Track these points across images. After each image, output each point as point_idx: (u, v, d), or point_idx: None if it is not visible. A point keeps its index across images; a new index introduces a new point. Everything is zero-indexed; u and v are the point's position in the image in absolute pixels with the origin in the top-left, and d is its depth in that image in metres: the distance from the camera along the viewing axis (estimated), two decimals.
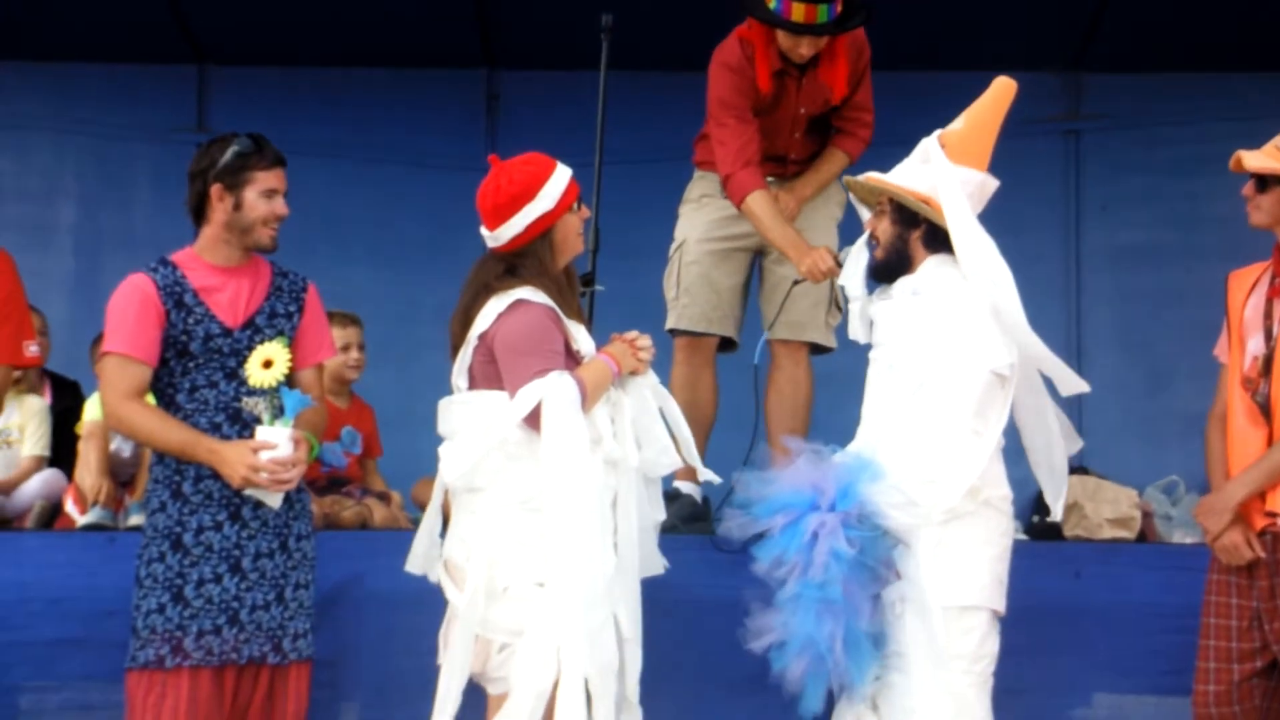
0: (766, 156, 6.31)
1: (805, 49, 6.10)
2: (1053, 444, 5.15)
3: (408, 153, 9.19)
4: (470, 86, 9.31)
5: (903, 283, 5.09)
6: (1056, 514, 5.24)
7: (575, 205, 5.08)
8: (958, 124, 5.13)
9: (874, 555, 4.79)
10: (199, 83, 9.29)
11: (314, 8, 8.63)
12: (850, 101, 6.36)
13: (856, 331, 5.28)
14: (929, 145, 5.09)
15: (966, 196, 5.00)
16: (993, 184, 5.11)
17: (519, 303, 4.93)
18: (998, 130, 5.16)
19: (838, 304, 6.27)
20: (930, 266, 5.05)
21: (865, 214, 5.35)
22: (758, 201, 6.11)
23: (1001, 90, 5.19)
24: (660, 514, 5.19)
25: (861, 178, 5.23)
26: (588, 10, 6.49)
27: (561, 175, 5.05)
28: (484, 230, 5.06)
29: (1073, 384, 5.10)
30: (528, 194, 5.00)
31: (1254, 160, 5.20)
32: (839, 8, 6.03)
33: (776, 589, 4.80)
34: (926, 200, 5.02)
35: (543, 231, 5.02)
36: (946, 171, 5.01)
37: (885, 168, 5.22)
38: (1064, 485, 5.20)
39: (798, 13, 5.99)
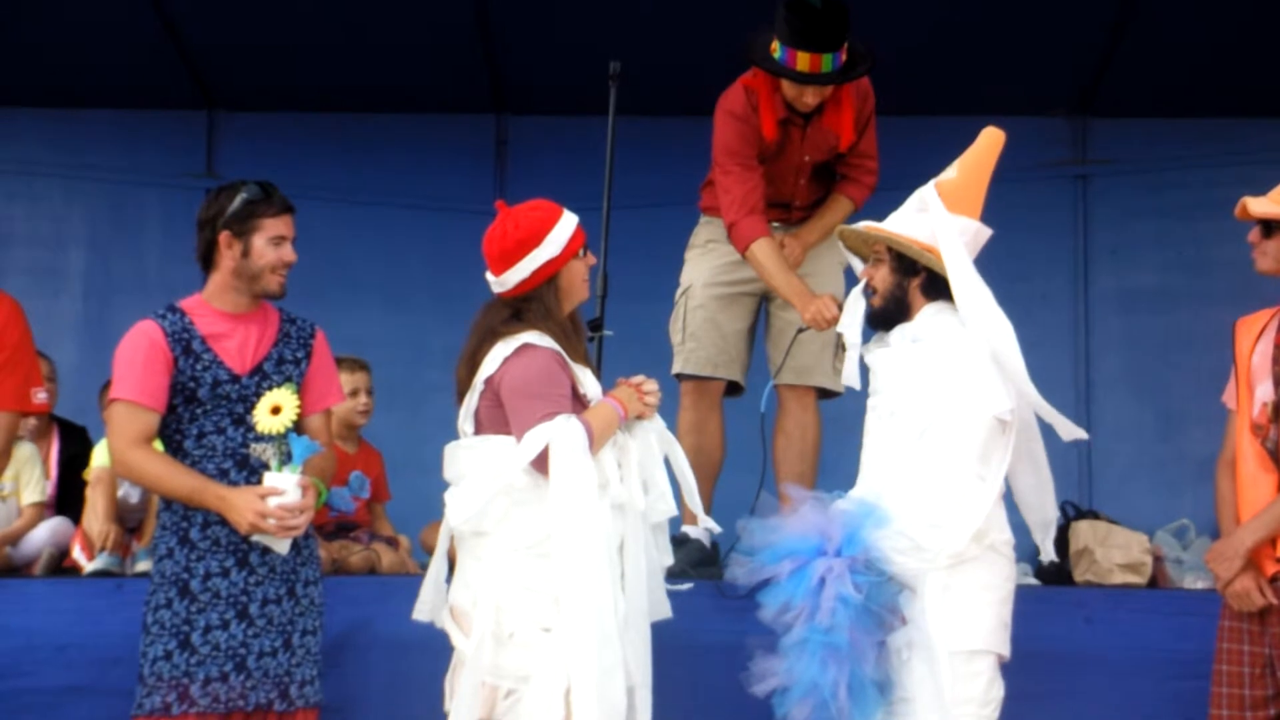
0: (771, 203, 6.32)
1: (810, 98, 6.11)
2: (1044, 488, 5.14)
3: (417, 197, 9.21)
4: (479, 131, 9.33)
5: (901, 330, 5.10)
6: (1047, 554, 5.24)
7: (581, 251, 5.09)
8: (951, 173, 5.16)
9: (880, 601, 4.79)
10: (208, 128, 9.32)
11: (323, 53, 8.67)
12: (855, 149, 6.37)
13: (851, 378, 5.29)
14: (926, 194, 5.11)
15: (964, 245, 5.02)
16: (986, 232, 5.13)
17: (525, 347, 4.94)
18: (989, 179, 5.17)
19: (842, 348, 6.26)
20: (929, 314, 5.07)
21: (856, 263, 5.39)
22: (762, 249, 6.11)
23: (992, 139, 5.22)
24: (668, 559, 5.19)
25: (860, 227, 5.24)
26: (596, 56, 6.51)
27: (568, 222, 5.06)
28: (489, 276, 5.08)
29: (1071, 431, 5.08)
30: (533, 240, 5.01)
31: (1259, 206, 5.20)
32: (843, 56, 6.05)
33: (782, 634, 4.80)
34: (928, 248, 5.03)
35: (548, 277, 5.03)
36: (945, 221, 5.03)
37: (891, 212, 5.22)
38: (1053, 528, 5.21)
39: (802, 62, 6.00)
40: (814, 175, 6.41)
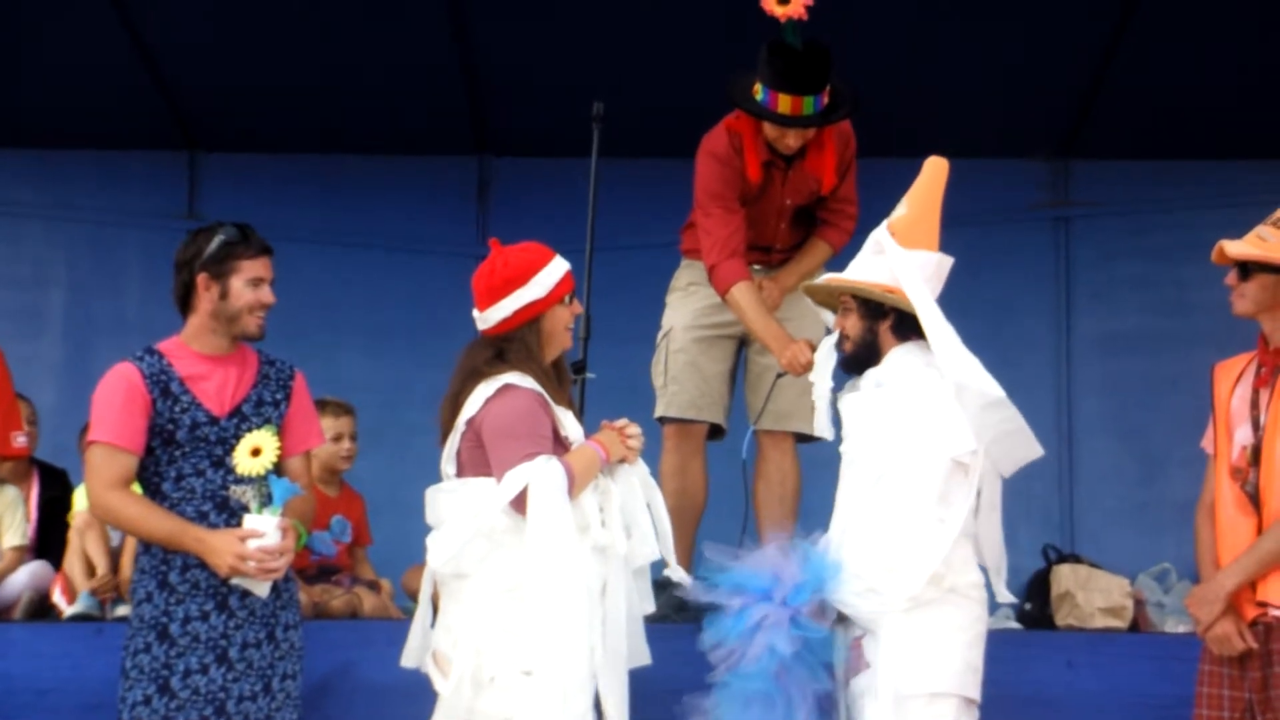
0: (752, 246, 6.33)
1: (792, 140, 6.12)
2: (998, 531, 5.12)
3: (399, 239, 9.22)
4: (462, 173, 9.34)
5: (868, 375, 5.13)
6: (1004, 597, 5.23)
7: (567, 298, 5.10)
8: (902, 210, 5.18)
9: (817, 655, 4.84)
10: (190, 169, 9.32)
11: (306, 95, 8.68)
12: (836, 193, 6.39)
13: (823, 429, 5.34)
14: (880, 236, 5.14)
15: (926, 279, 5.05)
16: (948, 261, 5.15)
17: (507, 387, 4.94)
18: (940, 208, 5.19)
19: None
20: (895, 356, 5.10)
21: (828, 316, 5.43)
22: (742, 293, 6.12)
23: (937, 169, 5.24)
24: (649, 606, 5.19)
25: (820, 280, 5.30)
26: (579, 98, 6.53)
27: (557, 267, 5.08)
28: (475, 312, 5.09)
29: (1032, 451, 5.09)
30: (520, 279, 5.02)
31: (1235, 248, 5.21)
32: (825, 99, 6.06)
33: (713, 669, 4.87)
34: (891, 290, 5.06)
35: (531, 318, 5.04)
36: (902, 259, 5.06)
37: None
38: (1003, 570, 5.17)
39: (784, 104, 6.01)
40: (795, 219, 6.42)
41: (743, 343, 6.46)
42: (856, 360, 5.17)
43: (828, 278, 5.28)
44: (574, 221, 6.43)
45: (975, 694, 4.88)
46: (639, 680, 5.01)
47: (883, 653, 4.81)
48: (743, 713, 4.78)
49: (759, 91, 6.05)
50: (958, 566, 4.89)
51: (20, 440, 5.71)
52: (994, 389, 4.94)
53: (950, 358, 4.95)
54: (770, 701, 4.78)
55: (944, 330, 4.97)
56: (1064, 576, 7.06)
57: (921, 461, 4.89)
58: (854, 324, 5.16)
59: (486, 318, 5.06)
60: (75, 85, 8.63)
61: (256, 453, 5.00)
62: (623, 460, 5.08)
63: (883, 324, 5.12)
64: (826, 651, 4.88)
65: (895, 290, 5.05)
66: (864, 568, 4.86)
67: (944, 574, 4.84)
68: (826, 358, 5.33)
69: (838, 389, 5.31)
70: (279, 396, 5.23)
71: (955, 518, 4.89)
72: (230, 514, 5.04)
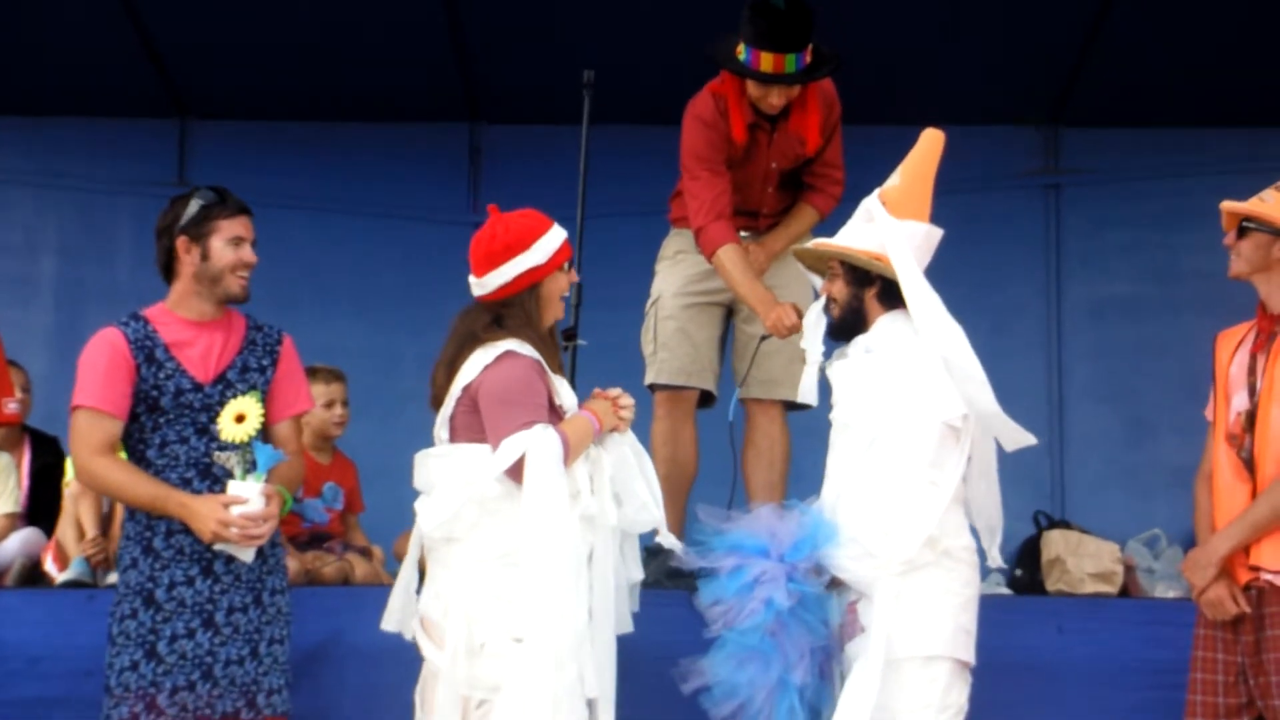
0: (739, 211, 6.33)
1: (775, 98, 6.12)
2: (993, 494, 5.14)
3: (390, 206, 9.19)
4: (453, 140, 9.31)
5: (857, 342, 5.15)
6: (995, 561, 5.25)
7: (565, 266, 5.10)
8: (895, 180, 5.20)
9: (814, 611, 4.85)
10: (180, 137, 9.29)
11: (296, 61, 8.66)
12: (821, 158, 6.39)
13: (808, 394, 5.37)
14: (870, 204, 5.16)
15: (914, 249, 5.06)
16: (937, 233, 5.16)
17: (507, 354, 4.94)
18: (933, 180, 5.21)
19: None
20: (884, 324, 5.12)
21: (817, 280, 5.43)
22: (728, 255, 6.12)
23: (932, 141, 5.25)
24: (638, 573, 5.20)
25: (809, 244, 5.30)
26: (569, 65, 6.53)
27: (556, 234, 5.09)
28: (471, 278, 5.08)
29: (1018, 438, 5.08)
30: (521, 245, 5.03)
31: (1231, 203, 5.23)
32: (808, 58, 6.06)
33: (709, 628, 4.88)
34: (877, 257, 5.07)
35: (530, 285, 5.04)
36: (891, 227, 5.08)
37: None
38: (999, 534, 5.21)
39: (766, 62, 6.01)
40: (781, 184, 6.42)
41: (731, 311, 6.46)
42: (844, 326, 5.19)
43: (816, 242, 5.30)
44: (565, 188, 6.43)
45: (969, 657, 4.91)
46: (631, 647, 5.02)
47: (876, 616, 4.82)
48: (738, 670, 4.81)
49: (742, 52, 6.06)
50: (950, 530, 4.91)
51: (11, 407, 5.70)
52: (978, 370, 4.96)
53: (933, 331, 4.96)
54: (766, 658, 4.80)
55: (928, 302, 4.98)
56: (1054, 542, 7.09)
57: (913, 426, 4.91)
58: (840, 289, 5.18)
59: (485, 283, 5.05)
60: (65, 53, 8.61)
61: (240, 419, 5.00)
62: (614, 429, 5.09)
63: (869, 291, 5.13)
64: (823, 609, 4.89)
65: (881, 258, 5.06)
66: (859, 531, 4.87)
67: (938, 537, 4.86)
68: (816, 322, 5.34)
69: (826, 355, 5.32)
70: (265, 362, 5.23)
71: (947, 481, 4.92)
72: (214, 481, 5.04)
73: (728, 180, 6.25)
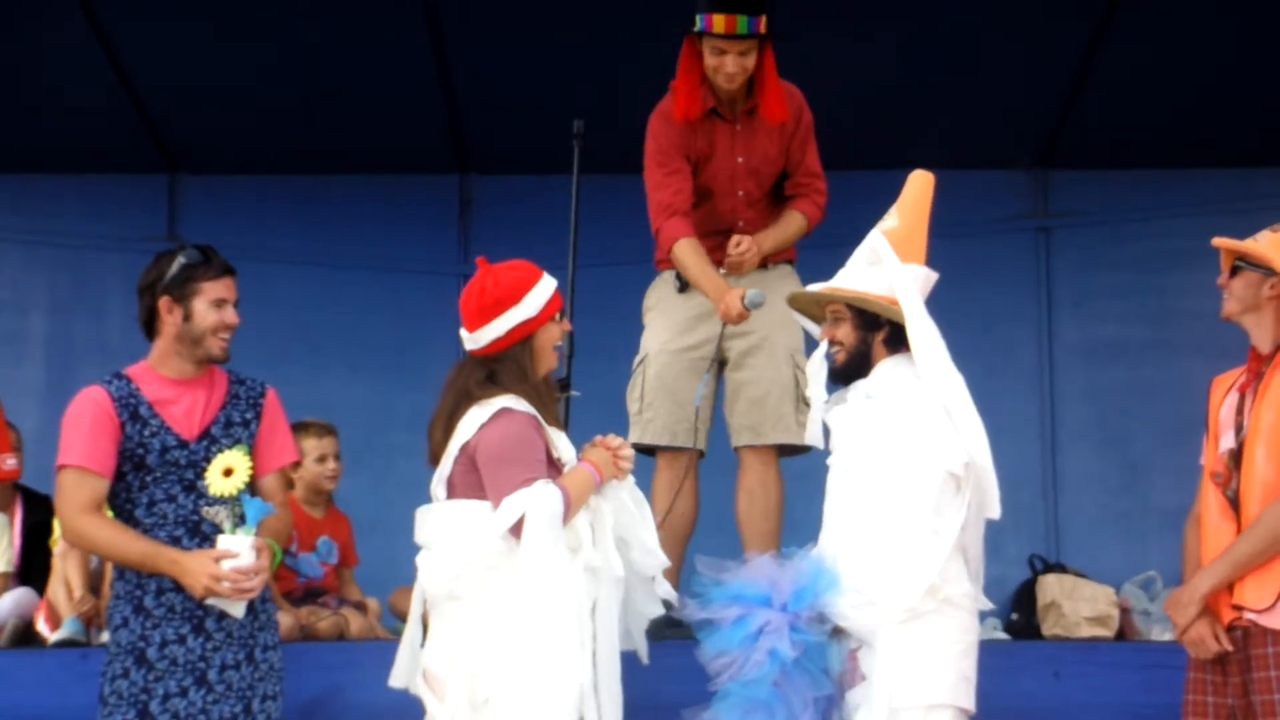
0: (711, 232, 6.32)
1: (731, 66, 6.16)
2: (980, 539, 5.08)
3: (381, 259, 9.19)
4: (443, 192, 9.33)
5: (857, 386, 5.11)
6: (984, 604, 5.16)
7: (557, 316, 5.09)
8: (893, 220, 5.16)
9: (817, 660, 4.82)
10: (169, 192, 9.30)
11: (285, 116, 8.67)
12: (801, 167, 6.41)
13: (814, 438, 5.29)
14: (878, 246, 5.10)
15: (919, 294, 5.05)
16: (933, 276, 5.14)
17: (502, 411, 4.92)
18: (928, 221, 5.19)
19: (805, 401, 6.23)
20: (885, 369, 5.09)
21: (810, 325, 5.39)
22: (682, 249, 6.18)
23: (924, 182, 5.24)
24: (657, 609, 5.18)
25: (817, 289, 5.23)
26: (559, 116, 6.53)
27: (547, 285, 5.07)
28: (463, 332, 5.06)
29: (990, 506, 5.04)
30: (512, 298, 5.01)
31: (1224, 240, 5.24)
32: (761, 28, 6.14)
33: (712, 680, 4.83)
34: (890, 302, 5.04)
35: (523, 338, 5.03)
36: (901, 272, 5.05)
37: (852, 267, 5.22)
38: (981, 574, 5.11)
39: (718, 24, 6.11)
40: (754, 198, 6.39)
41: (720, 362, 6.40)
42: (847, 371, 5.14)
43: (824, 287, 5.22)
44: (556, 238, 6.43)
45: (969, 704, 4.88)
46: (631, 696, 4.99)
47: (879, 664, 4.80)
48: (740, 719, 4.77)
49: (697, 23, 6.15)
50: (951, 578, 4.88)
51: (10, 463, 5.69)
52: (978, 424, 4.95)
53: (937, 380, 4.94)
54: (771, 709, 4.76)
55: (934, 350, 4.96)
56: (1050, 586, 7.08)
57: (916, 474, 4.89)
58: (847, 334, 5.13)
59: (477, 338, 5.03)
60: (54, 109, 8.62)
61: (229, 473, 4.99)
62: (614, 478, 5.08)
63: (877, 335, 5.10)
64: (825, 657, 4.86)
65: (893, 302, 5.04)
66: (860, 580, 4.84)
67: (939, 585, 4.84)
68: (819, 366, 5.28)
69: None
70: (249, 415, 5.22)
71: (949, 529, 4.89)
72: (203, 538, 5.03)
73: (685, 177, 6.30)
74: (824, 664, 4.86)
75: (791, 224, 6.45)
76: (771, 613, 4.82)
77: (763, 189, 6.46)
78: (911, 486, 4.88)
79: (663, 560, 5.09)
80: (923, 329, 4.97)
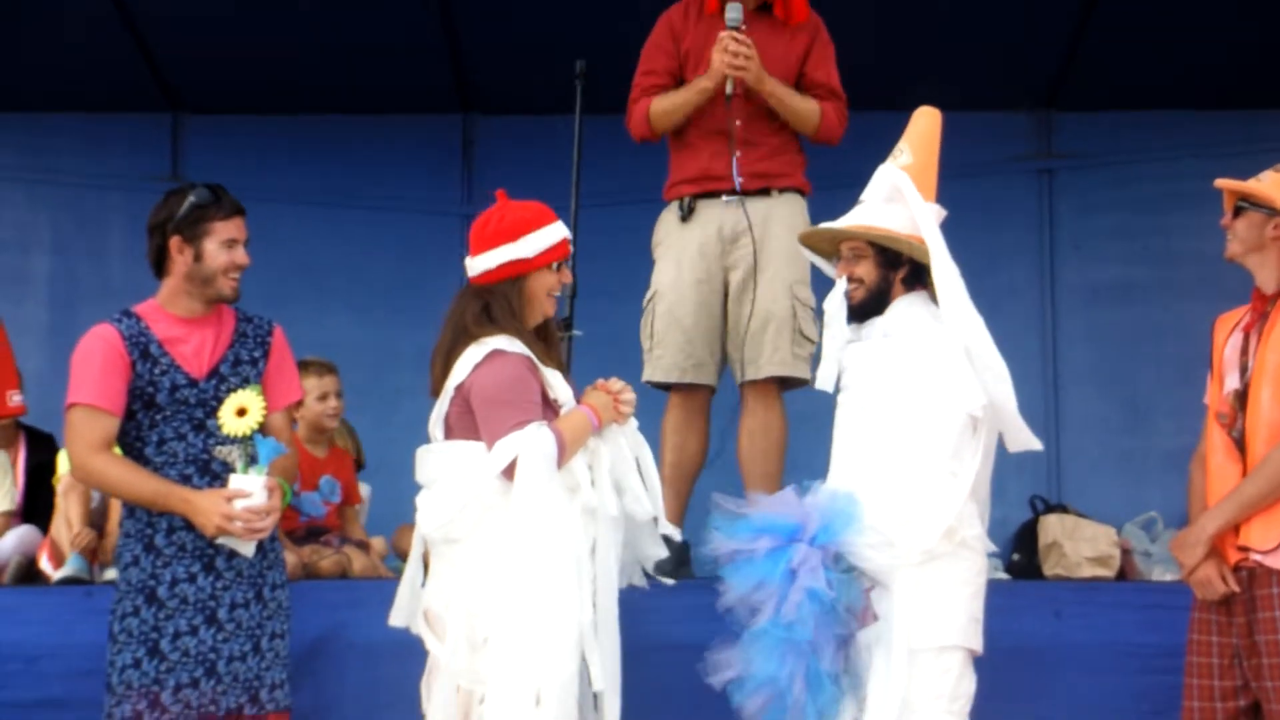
0: (711, 131, 6.29)
1: None
2: (987, 480, 5.08)
3: (384, 199, 9.19)
4: (446, 132, 9.32)
5: (874, 324, 5.08)
6: (989, 547, 5.16)
7: (555, 265, 5.09)
8: (907, 157, 5.10)
9: (845, 598, 4.79)
10: (173, 131, 9.29)
11: (288, 55, 8.65)
12: (821, 86, 6.37)
13: (825, 381, 5.20)
14: (900, 183, 5.05)
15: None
16: (943, 213, 5.10)
17: (495, 353, 4.93)
18: (938, 159, 5.17)
19: (803, 334, 6.24)
20: (902, 307, 5.06)
21: (822, 264, 5.35)
22: (655, 102, 6.29)
23: (934, 119, 5.21)
24: (661, 551, 5.22)
25: (845, 226, 5.13)
26: (561, 56, 6.52)
27: (552, 232, 5.08)
28: (467, 258, 5.10)
29: (1025, 440, 5.06)
30: (509, 235, 5.03)
31: (1227, 181, 5.23)
32: None
33: (745, 617, 4.78)
34: (915, 239, 5.00)
35: (513, 276, 5.03)
36: (924, 210, 5.02)
37: (847, 208, 5.17)
38: (986, 515, 5.11)
39: None
40: (758, 105, 6.32)
41: (725, 294, 6.39)
42: (864, 308, 5.09)
43: (853, 224, 5.11)
44: (559, 179, 6.42)
45: (978, 645, 4.90)
46: (637, 638, 5.02)
47: (896, 606, 4.80)
48: (777, 663, 4.71)
49: None
50: (966, 520, 4.89)
51: (16, 399, 5.69)
52: (999, 363, 4.93)
53: (959, 319, 4.92)
54: (800, 648, 4.72)
55: (956, 290, 4.93)
56: (1051, 526, 7.09)
57: (936, 415, 4.88)
58: (869, 271, 5.07)
59: (474, 265, 5.07)
60: (56, 48, 8.59)
61: (242, 413, 4.98)
62: (614, 422, 5.08)
63: (898, 273, 5.06)
64: (847, 594, 4.81)
65: (917, 239, 5.00)
66: (880, 520, 4.83)
67: (957, 527, 4.84)
68: (838, 307, 5.21)
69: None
70: (257, 354, 5.22)
71: (967, 472, 4.89)
72: (213, 477, 5.04)
73: (660, 84, 6.37)
74: (853, 601, 4.82)
75: (808, 101, 6.36)
76: (804, 547, 4.76)
77: (764, 127, 6.37)
78: (932, 428, 4.88)
79: (648, 509, 5.09)
80: (947, 268, 4.94)
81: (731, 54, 6.09)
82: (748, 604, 4.79)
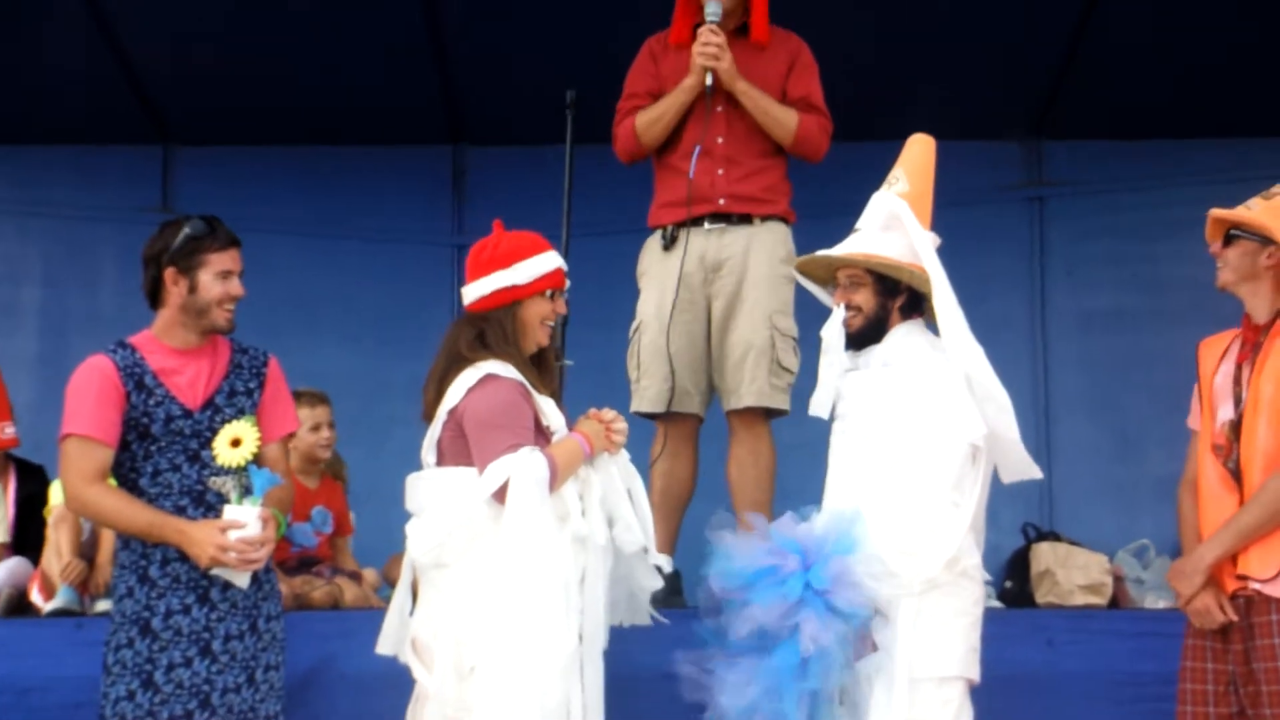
0: (679, 203, 6.29)
1: None
2: (981, 508, 5.07)
3: (375, 229, 9.20)
4: (437, 162, 9.34)
5: (872, 353, 5.08)
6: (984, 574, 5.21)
7: (550, 293, 5.10)
8: (904, 185, 5.11)
9: (852, 627, 4.77)
10: (164, 163, 9.31)
11: (279, 86, 8.66)
12: (802, 100, 6.36)
13: (820, 407, 5.19)
14: (898, 210, 5.06)
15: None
16: (938, 241, 5.11)
17: (489, 377, 4.94)
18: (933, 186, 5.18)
19: (781, 364, 6.23)
20: (898, 336, 5.06)
21: (815, 289, 5.34)
22: (642, 115, 6.34)
23: (928, 147, 5.22)
24: (656, 582, 5.21)
25: (845, 254, 5.13)
26: (552, 87, 6.54)
27: (545, 260, 5.11)
28: (465, 286, 5.13)
29: (1024, 470, 5.06)
30: (504, 261, 5.06)
31: (1219, 211, 5.24)
32: None
33: (754, 641, 4.76)
34: (916, 268, 5.00)
35: (507, 303, 5.05)
36: (924, 238, 5.03)
37: (842, 237, 5.18)
38: (981, 544, 5.09)
39: None
40: (735, 120, 6.33)
41: (708, 322, 6.37)
42: (861, 337, 5.09)
43: (851, 252, 5.11)
44: (550, 209, 6.44)
45: (976, 675, 4.90)
46: (618, 663, 5.00)
47: (899, 636, 4.79)
48: (792, 708, 4.69)
49: None
50: (966, 550, 4.89)
51: (9, 431, 5.69)
52: (1001, 393, 4.94)
53: (959, 348, 4.92)
54: (806, 675, 4.71)
55: (956, 318, 4.94)
56: (1043, 554, 7.09)
57: (939, 446, 4.88)
58: (867, 299, 5.07)
59: (469, 292, 5.09)
60: (46, 80, 8.61)
61: (237, 443, 4.99)
62: (605, 451, 5.08)
63: (896, 301, 5.07)
64: (855, 624, 4.79)
65: (918, 268, 5.01)
66: (882, 550, 4.82)
67: (958, 557, 4.84)
68: (837, 335, 5.19)
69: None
70: (252, 385, 5.22)
71: (969, 501, 4.89)
72: (207, 508, 5.03)
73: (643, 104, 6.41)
74: (858, 629, 4.79)
75: (782, 107, 6.35)
76: (808, 579, 4.74)
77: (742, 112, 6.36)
78: (934, 458, 4.88)
79: (639, 539, 5.07)
80: (948, 296, 4.95)
81: (702, 43, 6.15)
82: (766, 624, 4.76)
